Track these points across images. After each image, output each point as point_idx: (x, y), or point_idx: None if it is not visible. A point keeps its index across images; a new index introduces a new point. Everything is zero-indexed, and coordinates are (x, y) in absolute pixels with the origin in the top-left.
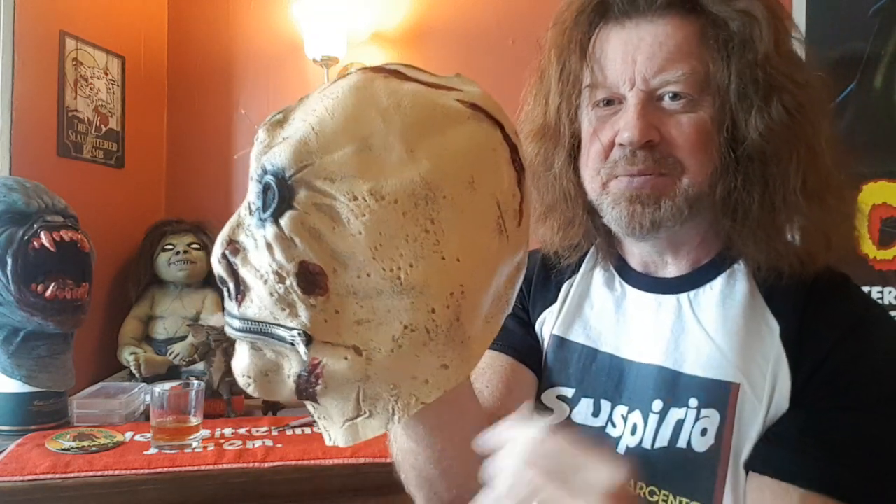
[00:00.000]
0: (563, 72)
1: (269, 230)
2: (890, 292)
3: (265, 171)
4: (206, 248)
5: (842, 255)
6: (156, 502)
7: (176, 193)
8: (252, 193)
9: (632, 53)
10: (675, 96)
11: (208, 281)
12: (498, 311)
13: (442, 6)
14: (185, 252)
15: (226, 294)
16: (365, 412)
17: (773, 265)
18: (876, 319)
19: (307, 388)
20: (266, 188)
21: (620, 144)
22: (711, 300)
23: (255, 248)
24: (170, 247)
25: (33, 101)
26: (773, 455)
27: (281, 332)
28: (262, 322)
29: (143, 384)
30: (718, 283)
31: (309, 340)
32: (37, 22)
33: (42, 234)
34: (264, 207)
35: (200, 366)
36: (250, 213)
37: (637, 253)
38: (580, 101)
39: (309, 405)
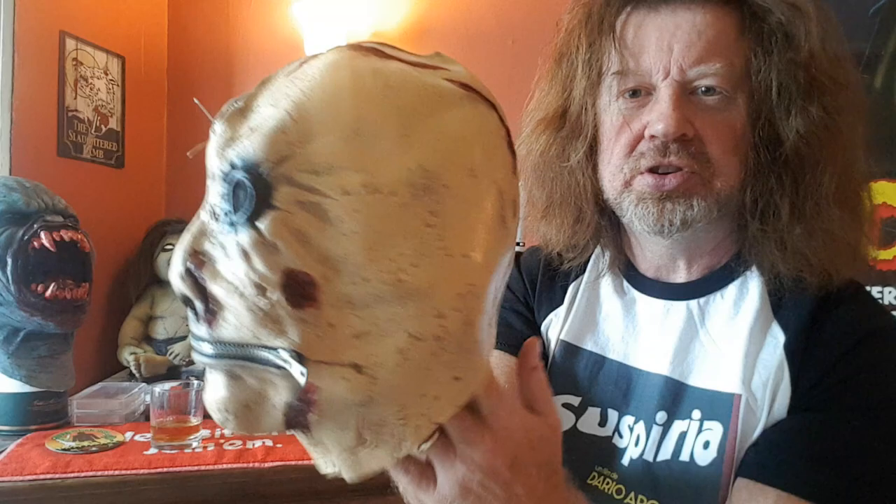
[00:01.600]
0: (590, 56)
1: (244, 235)
2: (890, 292)
3: (233, 167)
4: None
5: (864, 265)
6: (156, 502)
7: (176, 193)
8: (214, 195)
9: (667, 41)
10: (708, 90)
11: None
12: (496, 312)
13: (442, 6)
14: None
15: (191, 316)
16: (368, 441)
17: (796, 275)
18: (885, 332)
19: (299, 418)
20: (237, 187)
21: (651, 136)
22: (722, 310)
23: (226, 257)
24: (170, 247)
25: (33, 101)
26: (756, 458)
27: (266, 354)
28: (243, 344)
29: (143, 384)
30: (730, 292)
31: (300, 360)
32: (37, 22)
33: (42, 234)
34: (235, 209)
35: (200, 366)
36: (215, 217)
37: (649, 257)
38: (600, 90)
39: (298, 433)
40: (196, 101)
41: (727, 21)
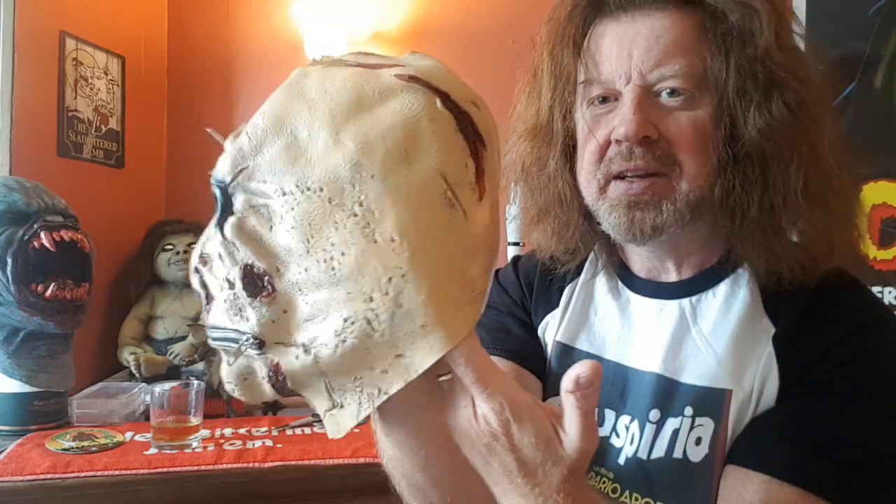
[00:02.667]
0: (556, 68)
1: (217, 239)
2: (890, 292)
3: (213, 183)
4: None
5: (845, 259)
6: (156, 502)
7: (176, 193)
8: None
9: (627, 47)
10: (672, 92)
11: None
12: (470, 301)
13: (442, 6)
14: (185, 252)
15: (202, 306)
16: (338, 403)
17: (772, 270)
18: (877, 324)
19: (281, 386)
20: (215, 198)
21: (616, 141)
22: (714, 308)
23: (217, 257)
24: (170, 247)
25: (33, 101)
26: (742, 446)
27: (237, 336)
28: (223, 328)
29: (143, 384)
30: (722, 289)
31: (262, 343)
32: (37, 22)
33: (42, 234)
34: (217, 217)
35: (200, 366)
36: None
37: (638, 259)
38: (574, 99)
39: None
40: (209, 130)
41: (686, 24)
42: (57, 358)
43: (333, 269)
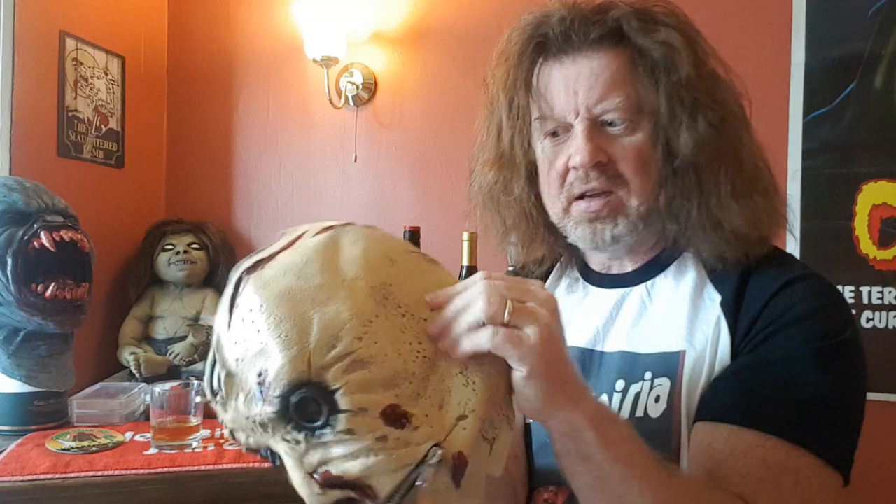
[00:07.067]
0: (512, 106)
1: (340, 423)
2: (890, 292)
3: (285, 394)
4: (206, 248)
5: (773, 237)
6: (156, 502)
7: (176, 193)
8: (283, 431)
9: (573, 86)
10: (615, 122)
11: (208, 281)
12: None
13: (442, 6)
14: (185, 252)
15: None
16: (492, 436)
17: (715, 254)
18: (806, 277)
19: (460, 477)
20: (300, 406)
21: (574, 167)
22: (666, 285)
23: (340, 448)
24: (170, 247)
25: (33, 101)
26: (708, 402)
27: (422, 467)
28: (404, 480)
29: (143, 384)
30: (671, 270)
31: (439, 444)
32: (37, 22)
33: (42, 234)
34: (312, 419)
35: (200, 366)
36: (308, 432)
37: (597, 259)
38: (531, 132)
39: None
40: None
41: (619, 61)
42: (57, 358)
43: (425, 357)
